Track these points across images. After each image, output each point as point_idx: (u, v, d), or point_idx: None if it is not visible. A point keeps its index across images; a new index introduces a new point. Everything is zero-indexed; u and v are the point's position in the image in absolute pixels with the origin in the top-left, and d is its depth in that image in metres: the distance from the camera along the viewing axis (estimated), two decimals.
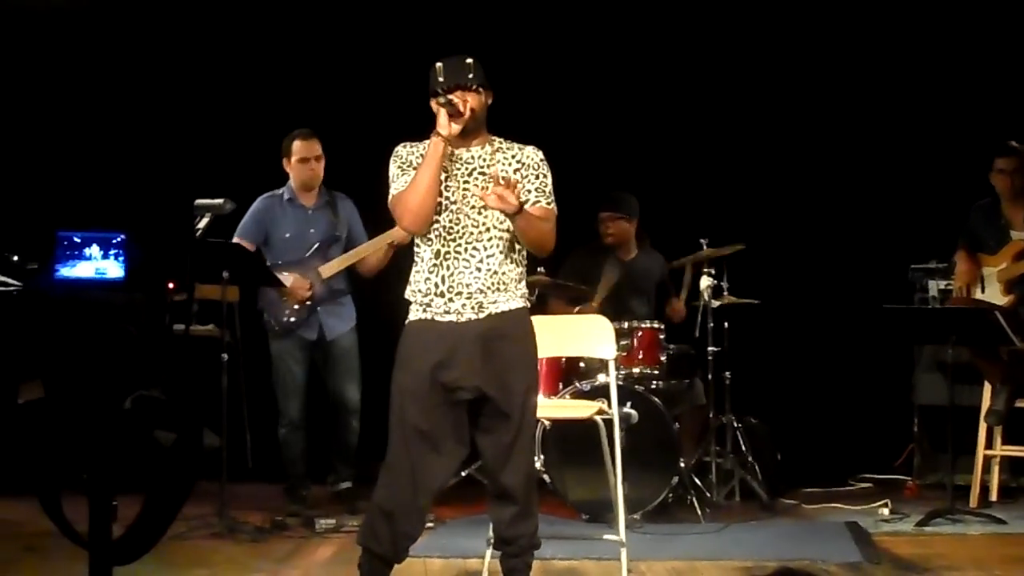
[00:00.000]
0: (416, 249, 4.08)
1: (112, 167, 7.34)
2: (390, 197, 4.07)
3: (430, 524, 5.68)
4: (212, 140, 7.37)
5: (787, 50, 7.40)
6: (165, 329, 3.72)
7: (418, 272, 4.04)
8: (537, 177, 4.06)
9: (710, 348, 6.44)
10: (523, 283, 4.09)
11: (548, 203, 4.08)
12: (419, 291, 4.01)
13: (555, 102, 7.36)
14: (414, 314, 4.03)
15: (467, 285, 3.96)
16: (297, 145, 6.10)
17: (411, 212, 3.97)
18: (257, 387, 6.41)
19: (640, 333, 6.19)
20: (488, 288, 3.97)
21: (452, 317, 3.96)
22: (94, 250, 3.90)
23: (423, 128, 4.06)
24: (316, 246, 6.09)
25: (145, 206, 6.83)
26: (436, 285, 3.97)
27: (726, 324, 6.52)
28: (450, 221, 3.97)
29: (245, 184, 6.18)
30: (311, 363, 6.16)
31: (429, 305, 3.98)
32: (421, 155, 4.00)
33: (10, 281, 3.76)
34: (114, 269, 3.77)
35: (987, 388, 6.22)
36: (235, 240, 6.08)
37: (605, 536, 4.80)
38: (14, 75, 7.28)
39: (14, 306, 3.58)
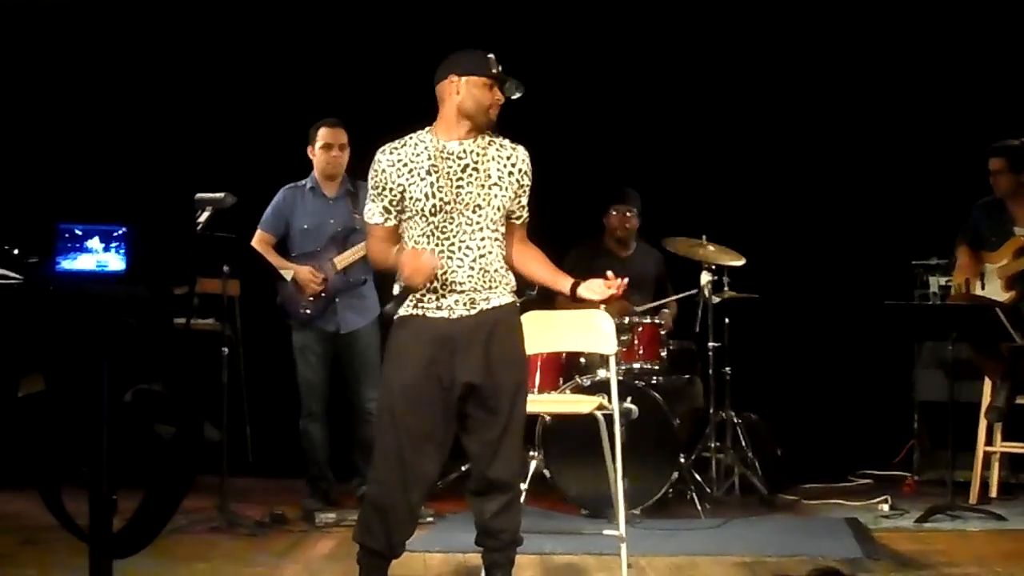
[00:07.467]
0: (410, 246, 4.00)
1: (114, 160, 7.33)
2: (365, 212, 4.06)
3: (430, 519, 5.69)
4: (214, 133, 7.36)
5: (789, 45, 7.40)
6: (166, 323, 3.71)
7: None
8: (526, 188, 4.07)
9: (710, 343, 6.44)
10: (511, 275, 4.07)
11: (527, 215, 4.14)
12: None
13: (556, 99, 7.34)
14: (404, 310, 4.00)
15: (461, 283, 3.94)
16: (323, 132, 6.03)
17: (376, 267, 4.33)
18: (258, 381, 6.42)
19: (640, 328, 6.19)
20: (481, 287, 3.96)
21: (444, 313, 3.94)
22: (95, 243, 3.88)
23: (430, 118, 4.04)
24: (332, 236, 6.02)
25: (147, 199, 6.82)
26: (430, 281, 3.93)
27: (726, 319, 6.52)
28: (443, 221, 3.94)
29: (247, 177, 6.16)
30: (333, 356, 6.08)
31: (421, 300, 3.96)
32: (401, 160, 3.95)
33: (11, 274, 3.75)
34: (115, 262, 3.75)
35: (987, 384, 6.22)
36: (257, 232, 6.07)
37: (605, 531, 4.79)
38: (15, 68, 7.27)
39: (15, 299, 3.57)
